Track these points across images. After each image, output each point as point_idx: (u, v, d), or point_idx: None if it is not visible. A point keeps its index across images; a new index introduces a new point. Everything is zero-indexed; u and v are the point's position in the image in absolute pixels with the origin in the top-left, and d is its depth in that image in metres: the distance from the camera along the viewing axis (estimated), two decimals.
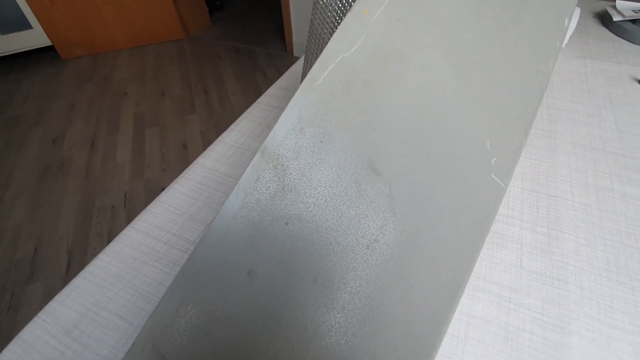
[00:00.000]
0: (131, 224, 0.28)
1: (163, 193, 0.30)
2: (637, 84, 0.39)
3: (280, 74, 1.72)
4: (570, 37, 0.47)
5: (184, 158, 1.26)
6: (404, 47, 0.14)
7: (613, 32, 0.48)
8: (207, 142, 1.32)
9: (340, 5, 0.19)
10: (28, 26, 1.68)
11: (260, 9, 2.37)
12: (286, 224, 0.10)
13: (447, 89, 0.14)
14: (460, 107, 0.14)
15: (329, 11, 0.20)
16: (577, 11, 0.43)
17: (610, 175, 0.29)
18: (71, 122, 1.42)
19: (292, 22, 1.73)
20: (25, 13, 1.63)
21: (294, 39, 1.79)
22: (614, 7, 0.49)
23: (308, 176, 0.11)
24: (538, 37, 0.19)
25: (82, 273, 0.25)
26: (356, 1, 0.14)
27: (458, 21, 0.16)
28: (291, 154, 0.11)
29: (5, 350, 0.21)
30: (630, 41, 0.46)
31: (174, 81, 1.67)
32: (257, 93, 1.59)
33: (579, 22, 0.50)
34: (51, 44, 1.75)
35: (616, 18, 0.47)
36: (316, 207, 0.11)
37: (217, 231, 0.10)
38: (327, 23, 0.20)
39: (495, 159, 0.15)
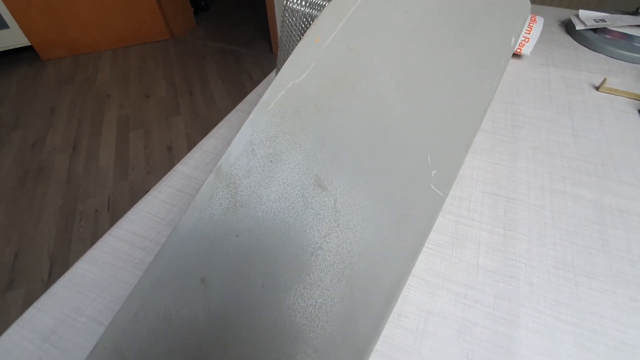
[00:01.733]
0: (109, 232, 0.28)
1: (141, 200, 0.31)
2: (594, 91, 0.41)
3: (265, 75, 1.72)
4: (537, 44, 0.49)
5: (169, 161, 1.25)
6: (353, 72, 0.15)
7: (576, 40, 0.51)
8: (192, 144, 1.32)
9: (303, 26, 0.20)
10: (5, 26, 1.64)
11: (246, 10, 2.37)
12: (237, 236, 0.12)
13: (392, 109, 0.16)
14: (404, 126, 0.16)
15: (294, 30, 0.21)
16: (541, 21, 0.45)
17: (564, 179, 0.32)
18: (52, 125, 1.39)
19: (277, 23, 1.74)
20: (1, 11, 1.59)
21: None
22: (577, 16, 0.52)
23: (258, 193, 0.12)
24: (484, 57, 0.20)
25: (61, 280, 0.25)
26: (309, 30, 0.16)
27: (406, 47, 0.17)
28: (243, 173, 0.12)
29: None
30: (591, 49, 0.49)
31: (159, 83, 1.65)
32: (243, 94, 1.59)
33: (546, 30, 0.53)
34: (30, 44, 1.71)
35: (578, 27, 0.50)
36: (265, 220, 0.12)
37: (173, 245, 0.11)
38: (293, 42, 0.21)
39: (435, 171, 0.16)
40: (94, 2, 1.71)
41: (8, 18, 1.62)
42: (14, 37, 1.69)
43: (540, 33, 0.45)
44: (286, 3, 0.25)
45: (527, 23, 0.45)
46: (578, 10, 0.53)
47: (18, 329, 0.23)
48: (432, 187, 0.16)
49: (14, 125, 1.39)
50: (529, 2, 0.25)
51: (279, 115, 0.13)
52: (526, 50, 0.45)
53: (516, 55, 0.48)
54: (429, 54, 0.18)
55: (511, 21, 0.24)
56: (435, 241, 0.27)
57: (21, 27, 1.65)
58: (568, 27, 0.53)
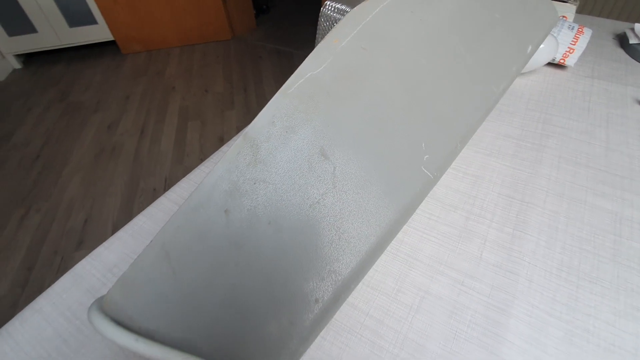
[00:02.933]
0: (164, 195, 0.34)
1: (192, 172, 0.36)
2: (637, 106, 0.40)
3: None
4: (583, 57, 0.48)
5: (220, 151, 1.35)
6: (363, 68, 0.19)
7: (629, 54, 0.49)
8: None
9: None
10: (94, 21, 1.87)
11: (303, 14, 2.46)
12: (254, 183, 0.16)
13: (395, 101, 0.19)
14: (403, 116, 0.19)
15: (327, 32, 0.25)
16: (588, 32, 0.45)
17: (587, 189, 0.32)
18: (125, 110, 1.57)
19: None
20: (92, 9, 1.82)
21: None
22: (633, 29, 0.50)
23: (274, 154, 0.16)
24: (493, 63, 0.22)
25: (124, 228, 0.31)
26: (329, 32, 0.19)
27: (415, 49, 0.20)
28: (264, 138, 0.16)
29: (59, 281, 0.28)
30: None
31: (217, 79, 1.79)
32: None
33: (597, 43, 0.51)
34: (113, 39, 1.94)
35: (632, 41, 0.48)
36: (277, 175, 0.16)
37: (208, 182, 0.15)
38: None
39: (427, 156, 0.19)
40: (169, 2, 1.89)
41: (97, 15, 1.85)
42: (101, 33, 1.92)
43: (587, 45, 0.44)
44: (322, 10, 0.29)
45: (572, 34, 0.45)
46: (634, 24, 0.50)
47: (90, 260, 0.29)
48: (423, 168, 0.19)
49: (95, 109, 1.59)
50: (557, 14, 0.27)
51: (296, 98, 0.17)
52: (570, 61, 0.45)
53: (559, 66, 0.47)
54: (436, 57, 0.21)
55: (531, 31, 0.25)
56: (444, 233, 0.29)
57: (107, 24, 1.88)
58: (622, 40, 0.51)
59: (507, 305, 0.25)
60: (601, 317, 0.24)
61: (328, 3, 0.42)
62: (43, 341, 0.25)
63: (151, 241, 0.14)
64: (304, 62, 0.18)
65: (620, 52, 0.49)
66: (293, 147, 0.16)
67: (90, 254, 0.30)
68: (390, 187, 0.18)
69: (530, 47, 0.25)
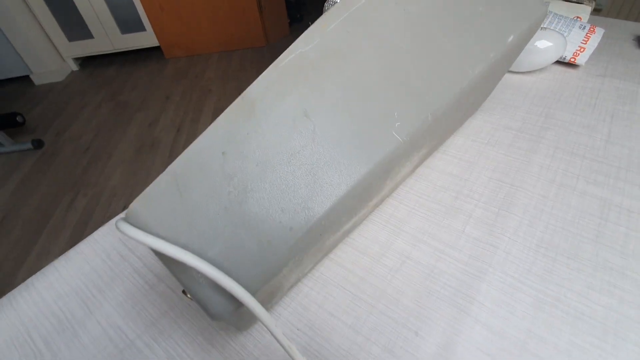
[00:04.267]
0: None
1: None
2: None
3: None
4: (598, 56, 0.48)
5: None
6: (347, 49, 0.22)
7: None
8: None
9: None
10: (142, 29, 2.04)
11: None
12: (247, 133, 0.19)
13: (372, 76, 0.22)
14: (380, 89, 0.22)
15: None
16: (600, 32, 0.45)
17: (578, 177, 0.33)
18: (165, 110, 1.70)
19: None
20: (141, 18, 1.99)
21: None
22: None
23: (266, 112, 0.20)
24: (471, 49, 0.25)
25: None
26: (319, 18, 0.23)
27: (396, 35, 0.23)
28: (259, 99, 0.20)
29: (98, 229, 0.34)
30: None
31: (251, 82, 1.88)
32: None
33: (615, 44, 0.51)
34: (158, 44, 2.11)
35: None
36: (266, 129, 0.20)
37: (211, 131, 0.20)
38: None
39: (399, 123, 0.22)
40: (210, 11, 2.02)
41: (146, 23, 2.02)
42: (148, 39, 2.10)
43: (598, 44, 0.45)
44: (325, 5, 0.32)
45: (584, 33, 0.45)
46: None
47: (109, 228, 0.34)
48: (394, 133, 0.22)
49: (139, 108, 1.73)
50: (545, 8, 0.29)
51: (287, 70, 0.21)
52: (581, 59, 0.46)
53: (571, 65, 0.48)
54: (415, 41, 0.24)
55: (514, 22, 0.27)
56: (431, 209, 0.32)
57: (154, 31, 2.04)
58: None
59: (481, 272, 0.27)
60: (574, 288, 0.25)
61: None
62: (82, 275, 0.30)
63: (165, 170, 0.19)
64: (295, 41, 0.22)
65: (639, 53, 0.49)
66: (281, 108, 0.20)
67: (123, 213, 0.35)
68: (363, 145, 0.21)
69: (512, 37, 0.27)
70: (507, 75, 0.48)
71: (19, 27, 1.82)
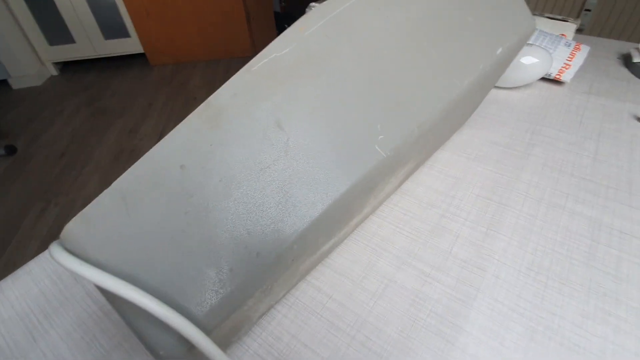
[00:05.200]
0: None
1: None
2: (634, 121, 0.40)
3: None
4: (582, 74, 0.48)
5: None
6: (326, 54, 0.20)
7: (632, 73, 0.49)
8: None
9: None
10: (127, 35, 2.00)
11: None
12: (211, 145, 0.17)
13: (354, 86, 0.20)
14: (362, 100, 0.20)
15: None
16: (586, 50, 0.45)
17: (568, 195, 0.32)
18: (147, 117, 1.65)
19: None
20: (126, 23, 1.95)
21: None
22: (638, 48, 0.50)
23: (232, 122, 0.18)
24: (459, 60, 0.24)
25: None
26: (297, 21, 0.21)
27: (379, 42, 0.22)
28: (224, 107, 0.18)
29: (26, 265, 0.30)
30: None
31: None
32: None
33: (600, 62, 0.51)
34: (143, 51, 2.07)
35: (636, 59, 0.48)
36: (233, 140, 0.17)
37: (167, 141, 0.17)
38: None
39: (382, 136, 0.20)
40: (198, 20, 2.00)
41: (130, 29, 1.98)
42: (132, 45, 2.05)
43: (584, 61, 0.45)
44: (307, 11, 0.31)
45: (569, 50, 0.45)
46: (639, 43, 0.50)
47: None
48: (377, 147, 0.20)
49: (119, 114, 1.68)
50: (533, 22, 0.28)
51: (259, 75, 0.19)
52: (566, 77, 0.45)
53: (556, 82, 0.47)
54: (399, 50, 0.22)
55: (503, 35, 0.26)
56: (417, 228, 0.30)
57: (139, 37, 2.00)
58: (627, 59, 0.51)
59: (470, 297, 0.25)
60: (567, 317, 0.24)
61: (313, 5, 0.45)
62: (29, 298, 0.26)
63: (110, 186, 0.16)
64: (269, 45, 0.20)
65: (624, 71, 0.49)
66: (251, 117, 0.18)
67: None
68: (342, 160, 0.19)
69: (500, 49, 0.26)
70: (493, 91, 0.47)
71: None
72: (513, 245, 0.28)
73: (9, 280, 0.28)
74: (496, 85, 0.47)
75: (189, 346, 0.15)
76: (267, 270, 0.16)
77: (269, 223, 0.17)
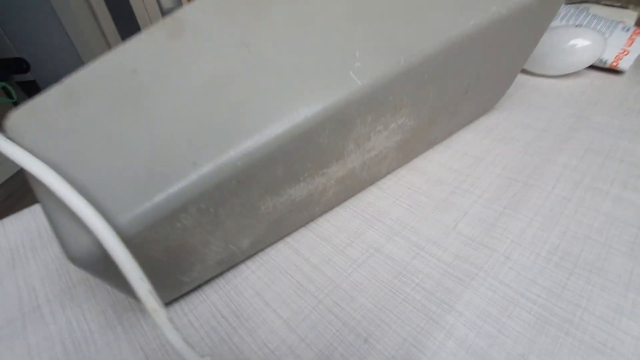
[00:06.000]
0: None
1: None
2: None
3: None
4: None
5: None
6: None
7: None
8: None
9: None
10: None
11: None
12: (168, 53, 0.16)
13: (334, 6, 0.19)
14: (342, 23, 0.18)
15: None
16: None
17: (613, 181, 0.26)
18: None
19: None
20: None
21: None
22: None
23: (197, 34, 0.17)
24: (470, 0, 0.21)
25: None
26: None
27: None
28: (192, 20, 0.17)
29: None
30: None
31: None
32: None
33: None
34: None
35: None
36: (192, 51, 0.16)
37: (127, 47, 0.17)
38: None
39: (359, 64, 0.18)
40: None
41: None
42: None
43: None
44: None
45: (627, 35, 0.39)
46: None
47: None
48: (351, 73, 0.17)
49: None
50: None
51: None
52: (624, 64, 0.39)
53: (611, 70, 0.41)
54: None
55: None
56: (420, 202, 0.26)
57: None
58: None
59: (468, 276, 0.21)
60: (595, 310, 0.18)
61: None
62: (25, 234, 0.27)
63: (60, 82, 0.16)
64: None
65: None
66: (216, 32, 0.17)
67: None
68: (310, 83, 0.17)
69: None
70: (536, 79, 0.42)
71: None
72: (534, 227, 0.23)
73: (14, 217, 0.30)
74: (539, 72, 0.42)
75: (104, 253, 0.14)
76: (202, 182, 0.15)
77: (213, 135, 0.15)
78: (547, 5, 0.25)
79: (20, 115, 0.15)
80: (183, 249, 0.17)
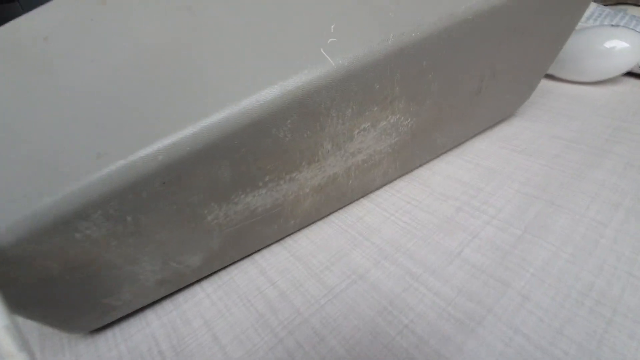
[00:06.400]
0: None
1: None
2: None
3: None
4: None
5: None
6: None
7: None
8: None
9: None
10: None
11: None
12: (92, 19, 0.13)
13: None
14: None
15: None
16: None
17: None
18: None
19: None
20: None
21: None
22: None
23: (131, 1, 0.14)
24: None
25: None
26: None
27: None
28: None
29: None
30: None
31: None
32: None
33: None
34: None
35: None
36: (122, 18, 0.13)
37: (37, 10, 0.14)
38: None
39: (334, 39, 0.14)
40: None
41: None
42: None
43: None
44: None
45: None
46: None
47: None
48: (322, 51, 0.14)
49: None
50: None
51: None
52: None
53: None
54: None
55: None
56: (419, 219, 0.22)
57: None
58: None
59: (472, 319, 0.16)
60: None
61: None
62: None
63: None
64: None
65: None
66: None
67: None
68: (265, 59, 0.13)
69: None
70: (564, 85, 0.37)
71: None
72: (562, 258, 0.18)
73: None
74: (569, 78, 0.37)
75: None
76: (109, 181, 0.11)
77: (129, 120, 0.12)
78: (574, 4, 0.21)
79: None
80: (96, 266, 0.13)
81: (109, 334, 0.17)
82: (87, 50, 0.13)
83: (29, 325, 0.18)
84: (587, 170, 0.24)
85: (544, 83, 0.38)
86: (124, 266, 0.14)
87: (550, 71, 0.38)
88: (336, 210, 0.23)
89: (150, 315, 0.18)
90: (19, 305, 0.13)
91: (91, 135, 0.11)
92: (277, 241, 0.21)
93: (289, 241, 0.21)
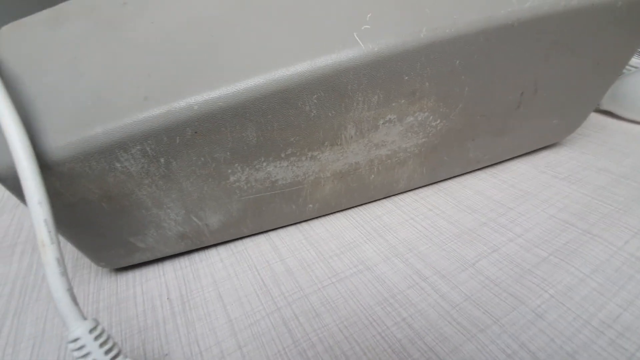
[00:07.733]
0: None
1: None
2: None
3: None
4: None
5: None
6: None
7: None
8: None
9: None
10: None
11: None
12: (124, 3, 0.15)
13: None
14: None
15: None
16: None
17: None
18: None
19: None
20: None
21: None
22: None
23: None
24: None
25: None
26: None
27: None
28: None
29: None
30: None
31: None
32: None
33: None
34: None
35: None
36: None
37: None
38: None
39: (368, 27, 0.15)
40: None
41: None
42: None
43: None
44: None
45: None
46: None
47: None
48: (355, 36, 0.15)
49: None
50: None
51: None
52: None
53: None
54: None
55: None
56: (439, 227, 0.21)
57: None
58: None
59: (475, 326, 0.15)
60: None
61: None
62: None
63: (55, 6, 0.16)
64: None
65: None
66: None
67: None
68: (301, 35, 0.14)
69: None
70: (621, 123, 0.34)
71: None
72: (589, 286, 0.17)
73: None
74: (627, 117, 0.34)
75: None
76: (150, 120, 0.13)
77: (175, 73, 0.13)
78: (637, 13, 0.20)
79: (8, 30, 0.15)
80: (129, 201, 0.15)
81: (130, 275, 0.19)
82: (154, 15, 0.15)
83: (65, 258, 0.20)
84: (634, 205, 0.22)
85: (601, 119, 0.35)
86: (152, 208, 0.16)
87: (608, 107, 0.35)
88: (356, 206, 0.23)
89: (167, 267, 0.19)
90: (60, 222, 0.14)
91: (142, 81, 0.13)
92: (294, 224, 0.22)
93: (305, 226, 0.22)
